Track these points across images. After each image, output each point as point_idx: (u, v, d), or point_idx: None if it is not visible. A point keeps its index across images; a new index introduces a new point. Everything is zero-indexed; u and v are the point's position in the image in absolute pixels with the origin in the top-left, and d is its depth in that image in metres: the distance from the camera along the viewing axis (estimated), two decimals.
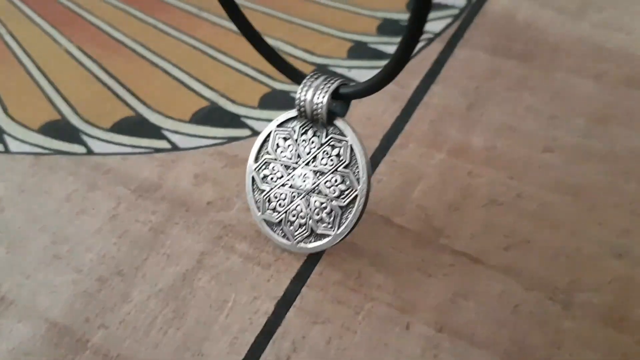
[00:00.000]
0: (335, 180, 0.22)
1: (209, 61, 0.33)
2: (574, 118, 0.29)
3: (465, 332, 0.21)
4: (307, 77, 0.22)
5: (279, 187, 0.23)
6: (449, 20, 0.35)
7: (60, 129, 0.29)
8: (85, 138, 0.29)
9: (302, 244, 0.23)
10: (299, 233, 0.23)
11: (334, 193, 0.22)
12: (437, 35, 0.34)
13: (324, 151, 0.22)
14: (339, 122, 0.22)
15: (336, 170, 0.22)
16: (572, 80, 0.31)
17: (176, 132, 0.29)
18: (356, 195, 0.22)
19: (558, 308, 0.22)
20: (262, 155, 0.23)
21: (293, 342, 0.21)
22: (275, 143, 0.23)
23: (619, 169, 0.26)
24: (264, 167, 0.23)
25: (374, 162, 0.27)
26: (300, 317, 0.22)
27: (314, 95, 0.21)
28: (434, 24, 0.35)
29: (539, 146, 0.28)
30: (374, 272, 0.23)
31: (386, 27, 0.35)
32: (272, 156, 0.23)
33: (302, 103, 0.22)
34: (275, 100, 0.31)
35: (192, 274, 0.23)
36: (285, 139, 0.23)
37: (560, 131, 0.28)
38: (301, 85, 0.22)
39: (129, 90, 0.32)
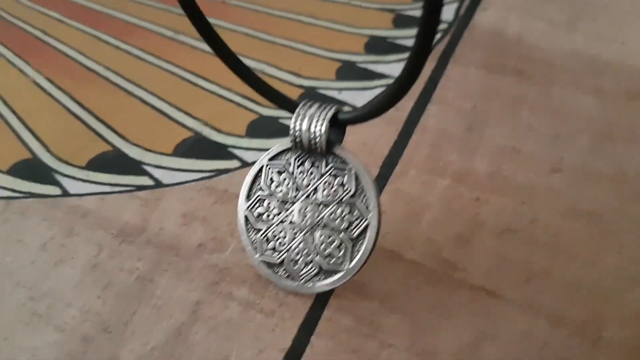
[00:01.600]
0: (342, 212, 0.20)
1: (190, 88, 0.31)
2: (577, 136, 0.28)
3: None
4: (300, 105, 0.20)
5: (276, 225, 0.21)
6: (438, 36, 0.34)
7: (32, 169, 0.27)
8: (59, 178, 0.26)
9: (310, 284, 0.21)
10: (306, 272, 0.21)
11: (342, 225, 0.20)
12: None
13: (326, 182, 0.21)
14: (338, 150, 0.20)
15: (341, 200, 0.20)
16: (570, 97, 0.30)
17: (158, 166, 0.27)
18: (367, 225, 0.20)
19: (587, 345, 0.20)
20: (255, 192, 0.21)
21: None
22: (269, 178, 0.21)
23: (629, 191, 0.25)
24: (257, 204, 0.21)
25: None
26: None
27: (311, 124, 0.20)
28: None
29: (546, 168, 0.26)
30: (388, 315, 0.21)
31: (374, 45, 0.34)
32: (267, 192, 0.21)
33: (297, 133, 0.20)
34: (264, 127, 0.29)
35: (187, 327, 0.21)
36: (279, 173, 0.21)
37: (565, 151, 0.27)
38: (295, 115, 0.20)
39: (104, 123, 0.29)
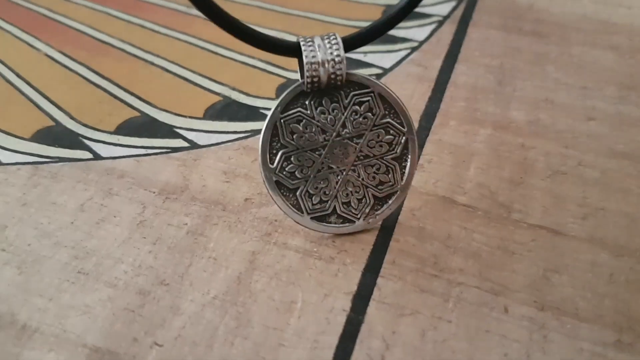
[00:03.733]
0: (378, 136, 0.20)
1: (210, 56, 0.30)
2: (604, 87, 0.28)
3: (568, 309, 0.19)
4: (303, 43, 0.19)
5: (314, 176, 0.20)
6: (453, 4, 0.34)
7: (57, 136, 0.26)
8: (88, 142, 0.25)
9: (371, 218, 0.21)
10: (362, 208, 0.21)
11: (382, 149, 0.20)
12: (446, 17, 0.33)
13: (352, 112, 0.20)
14: (353, 77, 0.19)
15: (374, 125, 0.20)
16: (589, 53, 0.30)
17: (191, 129, 0.26)
18: (406, 139, 0.20)
19: None
20: (277, 152, 0.20)
21: (383, 339, 0.19)
22: (289, 132, 0.20)
23: None
24: (285, 164, 0.20)
25: (418, 143, 0.25)
26: (383, 311, 0.19)
27: (326, 56, 0.18)
28: (440, 7, 0.34)
29: (582, 116, 0.26)
30: (452, 255, 0.21)
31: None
32: (290, 147, 0.20)
33: (314, 70, 0.18)
34: None
35: (246, 276, 0.20)
36: (298, 121, 0.20)
37: (595, 101, 0.27)
38: (305, 53, 0.18)
39: (127, 90, 0.28)
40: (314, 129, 0.20)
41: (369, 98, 0.20)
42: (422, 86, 0.28)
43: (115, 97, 0.28)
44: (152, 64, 0.30)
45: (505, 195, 0.23)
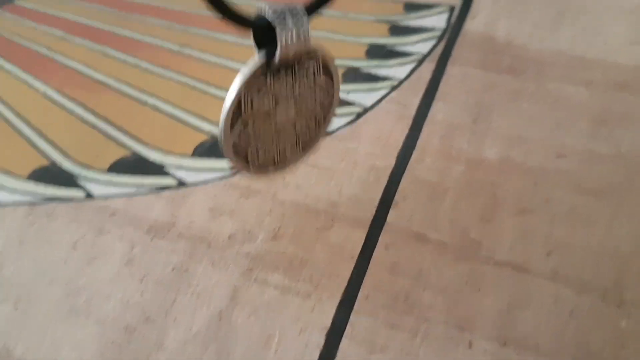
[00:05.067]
0: (316, 95, 0.22)
1: (201, 95, 0.32)
2: (575, 123, 0.29)
3: (529, 344, 0.20)
4: (271, 14, 0.19)
5: (263, 135, 0.22)
6: (434, 42, 0.35)
7: (52, 175, 0.27)
8: (82, 182, 0.27)
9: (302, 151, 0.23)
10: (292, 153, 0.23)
11: (316, 107, 0.22)
12: (426, 55, 0.34)
13: (301, 75, 0.21)
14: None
15: (314, 85, 0.21)
16: (564, 89, 0.32)
17: (180, 167, 0.27)
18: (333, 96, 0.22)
19: (612, 308, 0.21)
20: (237, 120, 0.21)
21: None
22: (249, 100, 0.20)
23: (631, 169, 0.27)
24: (242, 127, 0.21)
25: (394, 180, 0.26)
26: (355, 346, 0.20)
27: (296, 35, 0.19)
28: (421, 46, 0.35)
29: (552, 153, 0.28)
30: (422, 291, 0.22)
31: (374, 52, 0.35)
32: (249, 113, 0.21)
33: (285, 51, 0.19)
34: None
35: (227, 312, 0.22)
36: (259, 91, 0.20)
37: (567, 137, 0.29)
38: (279, 26, 0.19)
39: (121, 129, 0.30)
40: (270, 97, 0.21)
41: (314, 63, 0.21)
42: (401, 123, 0.29)
43: (109, 136, 0.29)
44: (146, 103, 0.31)
45: (476, 232, 0.24)
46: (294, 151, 0.23)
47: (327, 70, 0.21)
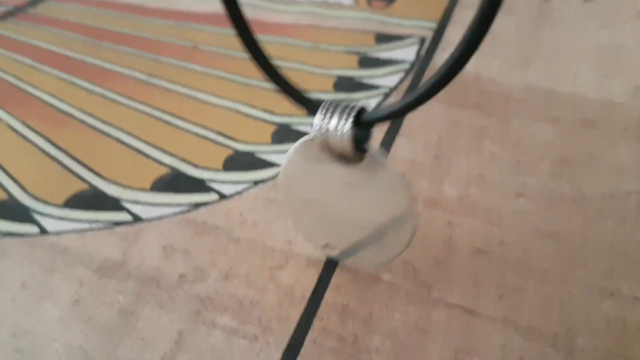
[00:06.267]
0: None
1: (165, 127, 0.32)
2: (538, 162, 0.29)
3: None
4: (323, 105, 0.19)
5: None
6: (402, 75, 0.36)
7: (9, 210, 0.27)
8: (37, 217, 0.27)
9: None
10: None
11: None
12: (393, 89, 0.34)
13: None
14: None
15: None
16: (529, 126, 0.32)
17: (137, 202, 0.27)
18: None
19: (561, 355, 0.21)
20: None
21: None
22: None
23: (591, 210, 0.27)
24: None
25: None
26: None
27: (337, 124, 0.18)
28: (388, 79, 0.35)
29: (511, 192, 0.28)
30: (370, 335, 0.22)
31: (342, 85, 0.35)
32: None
33: (323, 132, 0.19)
34: (240, 163, 0.29)
35: (171, 356, 0.21)
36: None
37: (528, 177, 0.28)
38: (319, 115, 0.19)
39: (80, 162, 0.30)
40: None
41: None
42: None
43: (68, 169, 0.29)
44: (109, 135, 0.31)
45: (428, 274, 0.24)
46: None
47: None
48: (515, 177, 0.28)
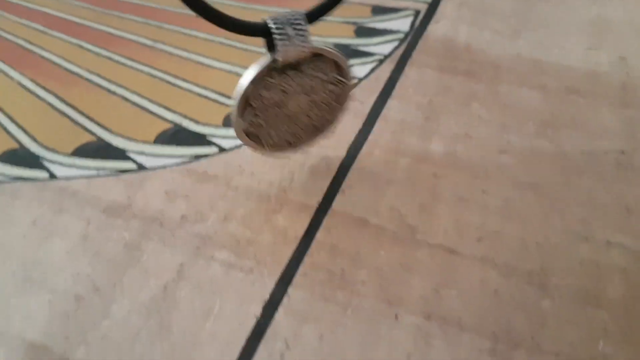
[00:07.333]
0: (327, 87, 0.24)
1: (169, 87, 0.33)
2: (523, 124, 0.31)
3: (452, 319, 0.22)
4: (272, 23, 0.22)
5: (274, 122, 0.24)
6: (395, 44, 0.37)
7: (20, 157, 0.29)
8: (46, 164, 0.28)
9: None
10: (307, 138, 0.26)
11: (327, 96, 0.25)
12: (387, 56, 0.36)
13: (310, 75, 0.24)
14: (315, 50, 0.23)
15: (324, 80, 0.24)
16: (517, 92, 0.33)
17: (141, 153, 0.29)
18: (346, 88, 0.25)
19: (535, 290, 0.23)
20: (246, 108, 0.23)
21: (285, 341, 0.21)
22: (258, 94, 0.23)
23: (571, 166, 0.28)
24: (253, 118, 0.24)
25: (343, 171, 0.28)
26: (289, 317, 0.22)
27: (296, 41, 0.22)
28: (383, 47, 0.37)
29: (495, 149, 0.29)
30: (357, 270, 0.23)
31: None
32: (258, 105, 0.23)
33: (285, 54, 0.22)
34: None
35: (173, 285, 0.23)
36: (267, 88, 0.23)
37: (512, 136, 0.30)
38: (278, 32, 0.22)
39: (88, 117, 0.31)
40: (279, 92, 0.23)
41: (323, 62, 0.23)
42: (355, 120, 0.31)
43: (77, 123, 0.31)
44: (115, 93, 0.33)
45: (413, 218, 0.25)
46: (309, 134, 0.26)
47: (337, 65, 0.24)
48: (500, 136, 0.30)
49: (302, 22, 0.22)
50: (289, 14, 0.22)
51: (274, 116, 0.24)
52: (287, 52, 0.22)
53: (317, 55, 0.23)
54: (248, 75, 0.23)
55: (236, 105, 0.23)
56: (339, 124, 0.27)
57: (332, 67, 0.24)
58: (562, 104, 0.32)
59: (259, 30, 0.22)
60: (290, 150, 0.26)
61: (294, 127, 0.25)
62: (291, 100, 0.24)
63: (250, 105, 0.23)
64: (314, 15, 0.23)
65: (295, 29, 0.22)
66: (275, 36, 0.22)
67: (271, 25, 0.22)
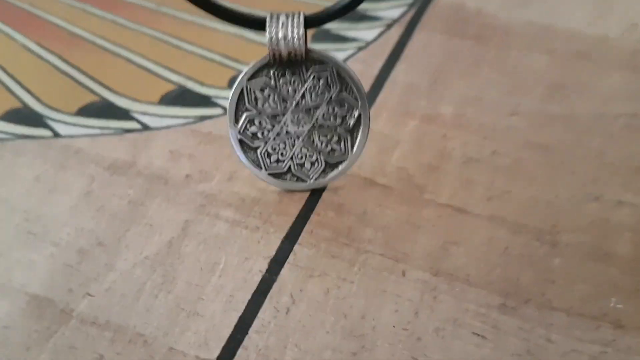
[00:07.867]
0: (333, 109, 0.22)
1: (173, 49, 0.33)
2: (533, 87, 0.30)
3: (460, 275, 0.21)
4: (269, 18, 0.21)
5: (273, 139, 0.23)
6: (404, 8, 0.36)
7: (24, 116, 0.28)
8: (50, 122, 0.28)
9: (321, 179, 0.23)
10: (314, 170, 0.23)
11: (336, 121, 0.23)
12: (396, 21, 0.35)
13: (310, 86, 0.22)
14: (313, 53, 0.22)
15: (330, 99, 0.22)
16: (526, 57, 0.33)
17: (145, 113, 0.29)
18: (359, 114, 0.23)
19: (546, 248, 0.22)
20: (242, 115, 0.23)
21: (291, 296, 0.21)
22: (253, 97, 0.22)
23: (581, 128, 0.28)
24: (248, 125, 0.23)
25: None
26: (295, 272, 0.22)
27: (287, 32, 0.21)
28: (391, 12, 0.36)
29: (505, 111, 0.29)
30: (364, 228, 0.23)
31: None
32: (254, 111, 0.23)
33: (275, 45, 0.21)
34: None
35: (177, 241, 0.23)
36: (262, 90, 0.22)
37: (522, 98, 0.30)
38: (268, 28, 0.21)
39: (92, 78, 0.31)
40: (275, 97, 0.22)
41: (327, 74, 0.22)
42: (363, 82, 0.30)
43: (81, 83, 0.30)
44: (119, 55, 0.33)
45: (421, 178, 0.25)
46: (314, 167, 0.23)
47: (346, 85, 0.22)
48: (510, 99, 0.29)
49: (298, 18, 0.21)
50: (290, 12, 0.21)
51: (271, 130, 0.23)
52: (277, 44, 0.21)
53: (320, 62, 0.22)
54: (245, 70, 0.22)
55: (230, 108, 0.23)
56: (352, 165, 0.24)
57: (339, 81, 0.22)
58: (572, 69, 0.32)
59: (256, 22, 0.21)
60: (291, 179, 0.24)
61: (297, 152, 0.23)
62: (289, 114, 0.22)
63: (245, 108, 0.23)
64: (313, 21, 0.22)
65: (289, 17, 0.21)
66: (266, 25, 0.21)
67: (267, 19, 0.21)
